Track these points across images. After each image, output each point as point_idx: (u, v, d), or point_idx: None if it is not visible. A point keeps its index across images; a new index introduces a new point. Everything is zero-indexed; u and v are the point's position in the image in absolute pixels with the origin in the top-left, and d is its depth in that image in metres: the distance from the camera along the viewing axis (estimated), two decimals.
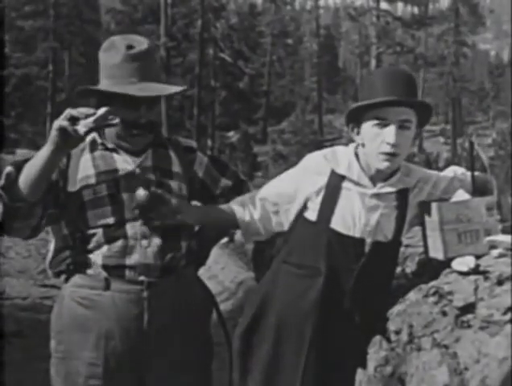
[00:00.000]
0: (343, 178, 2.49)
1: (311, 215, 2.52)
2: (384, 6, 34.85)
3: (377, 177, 2.48)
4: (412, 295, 2.37)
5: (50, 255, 2.62)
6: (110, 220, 2.50)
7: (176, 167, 2.66)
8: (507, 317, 1.99)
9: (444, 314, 2.18)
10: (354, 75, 58.89)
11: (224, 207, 2.68)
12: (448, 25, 41.93)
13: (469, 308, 2.11)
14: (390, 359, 2.30)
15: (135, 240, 2.51)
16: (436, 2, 43.25)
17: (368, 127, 2.43)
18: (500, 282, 2.12)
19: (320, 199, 2.50)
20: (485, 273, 2.19)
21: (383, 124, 2.39)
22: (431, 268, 2.48)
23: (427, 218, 2.44)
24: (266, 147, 32.27)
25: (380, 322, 2.43)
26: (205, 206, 2.79)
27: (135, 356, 2.52)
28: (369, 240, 2.46)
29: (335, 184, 2.49)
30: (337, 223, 2.47)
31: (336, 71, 55.64)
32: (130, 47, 2.52)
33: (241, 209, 2.65)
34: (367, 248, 2.46)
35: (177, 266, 2.57)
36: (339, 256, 2.47)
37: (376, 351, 2.35)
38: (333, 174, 2.50)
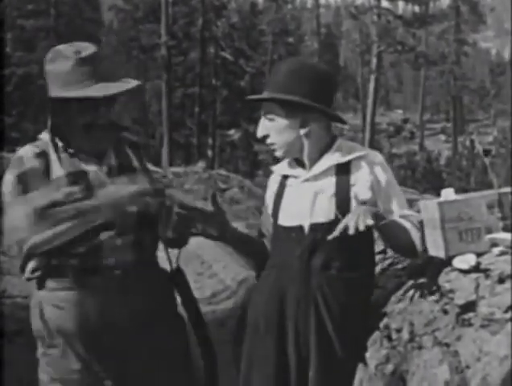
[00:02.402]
0: (287, 177, 2.66)
1: (271, 219, 2.68)
2: (385, 4, 34.82)
3: (313, 162, 2.59)
4: (413, 293, 2.36)
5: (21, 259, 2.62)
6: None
7: (135, 163, 2.73)
8: (508, 315, 1.99)
9: (445, 312, 2.18)
10: (355, 73, 58.91)
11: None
12: (448, 23, 41.89)
13: (470, 306, 2.11)
14: (391, 357, 2.30)
15: (109, 240, 2.53)
16: (437, 0, 43.17)
17: None
18: (501, 280, 2.12)
19: (272, 203, 2.67)
20: (486, 271, 2.19)
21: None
22: (431, 267, 2.48)
23: (426, 216, 2.44)
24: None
25: (354, 317, 2.46)
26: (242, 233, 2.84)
27: (119, 345, 2.55)
28: (306, 224, 2.51)
29: (281, 184, 2.67)
30: (283, 219, 2.60)
31: (337, 69, 55.51)
32: (77, 52, 2.57)
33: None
34: (306, 232, 2.51)
35: (149, 255, 2.64)
36: (287, 248, 2.54)
37: (377, 350, 2.35)
38: (281, 177, 2.69)
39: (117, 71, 2.83)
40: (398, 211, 2.53)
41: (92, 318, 2.53)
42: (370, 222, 2.25)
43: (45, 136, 2.66)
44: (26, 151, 2.58)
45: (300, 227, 2.52)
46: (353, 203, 2.50)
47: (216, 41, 36.13)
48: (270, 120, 2.56)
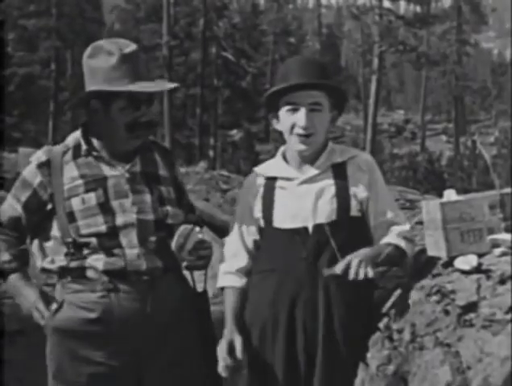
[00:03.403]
0: (275, 179, 2.62)
1: (261, 222, 2.63)
2: (387, 4, 34.79)
3: (305, 163, 2.58)
4: (414, 294, 2.36)
5: (40, 257, 2.64)
6: (102, 229, 2.51)
7: (162, 170, 2.69)
8: (509, 316, 1.99)
9: (447, 312, 2.18)
10: (356, 74, 58.85)
11: None
12: (450, 24, 41.84)
13: (472, 307, 2.11)
14: (392, 357, 2.30)
15: (132, 248, 2.52)
16: (439, 0, 43.20)
17: (283, 113, 2.56)
18: (502, 281, 2.12)
19: (260, 205, 2.62)
20: (487, 272, 2.19)
21: (294, 108, 2.52)
22: (432, 267, 2.47)
23: (428, 217, 2.44)
24: (269, 146, 32.25)
25: (354, 311, 2.46)
26: None
27: (137, 355, 2.53)
28: (310, 225, 2.51)
29: (269, 187, 2.62)
30: (279, 221, 2.56)
31: (339, 69, 55.50)
32: (121, 48, 2.54)
33: None
34: (311, 233, 2.51)
35: (172, 262, 2.58)
36: (288, 250, 2.52)
37: (378, 350, 2.35)
38: (266, 179, 2.64)
39: (152, 71, 2.86)
40: (388, 212, 2.57)
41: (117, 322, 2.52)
42: (370, 274, 2.29)
43: (70, 139, 2.65)
44: (30, 170, 2.60)
45: (305, 229, 2.51)
46: (353, 203, 2.52)
47: (217, 41, 36.14)
48: (316, 110, 2.52)
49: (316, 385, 2.43)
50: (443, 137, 52.64)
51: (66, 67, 33.57)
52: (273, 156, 2.74)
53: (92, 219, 2.51)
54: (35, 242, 2.66)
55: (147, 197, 2.59)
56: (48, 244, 2.60)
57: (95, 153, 2.59)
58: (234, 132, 37.26)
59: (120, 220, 2.53)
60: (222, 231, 2.97)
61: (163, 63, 31.41)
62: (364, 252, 2.38)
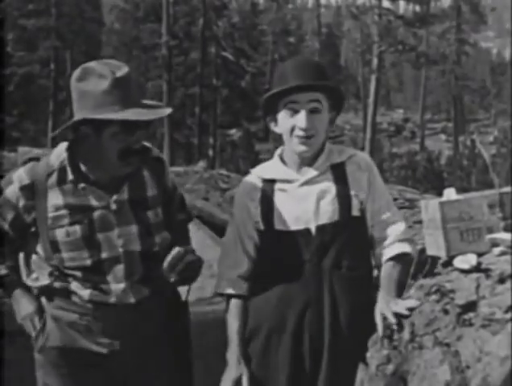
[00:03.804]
0: (273, 181, 2.59)
1: (261, 225, 2.59)
2: (386, 4, 34.77)
3: (304, 165, 2.56)
4: (414, 293, 2.36)
5: (24, 271, 2.60)
6: (88, 263, 2.47)
7: (150, 190, 2.60)
8: (509, 315, 1.99)
9: (446, 312, 2.18)
10: (356, 73, 58.88)
11: None
12: (449, 23, 41.88)
13: (471, 306, 2.10)
14: (391, 357, 2.30)
15: (117, 283, 2.49)
16: (438, 0, 43.20)
17: (282, 116, 2.54)
18: (502, 280, 2.12)
19: (259, 208, 2.58)
20: (486, 271, 2.19)
21: (294, 110, 2.49)
22: (431, 266, 2.47)
23: (427, 216, 2.44)
24: (268, 145, 32.23)
25: (360, 313, 2.45)
26: None
27: (121, 374, 2.54)
28: (312, 226, 2.50)
29: (267, 190, 2.59)
30: (280, 223, 2.53)
31: (338, 69, 55.52)
32: (113, 71, 2.39)
33: None
34: (314, 234, 2.50)
35: (157, 285, 2.55)
36: (291, 253, 2.51)
37: (378, 350, 2.35)
38: (264, 181, 2.61)
39: (143, 92, 2.74)
40: (385, 211, 2.57)
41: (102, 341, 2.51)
42: (414, 303, 2.30)
43: (54, 158, 2.51)
44: (13, 191, 2.48)
45: (307, 231, 2.50)
46: (355, 202, 2.52)
47: (217, 41, 36.13)
48: (316, 112, 2.51)
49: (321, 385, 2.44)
50: (443, 137, 52.67)
51: (65, 67, 33.54)
52: (272, 155, 2.72)
53: (76, 252, 2.45)
54: (21, 255, 2.61)
55: (134, 228, 2.51)
56: (34, 258, 2.54)
57: (81, 185, 2.47)
58: (233, 131, 37.24)
59: (105, 254, 2.47)
60: (222, 229, 2.96)
61: (162, 62, 31.43)
62: (386, 299, 2.40)
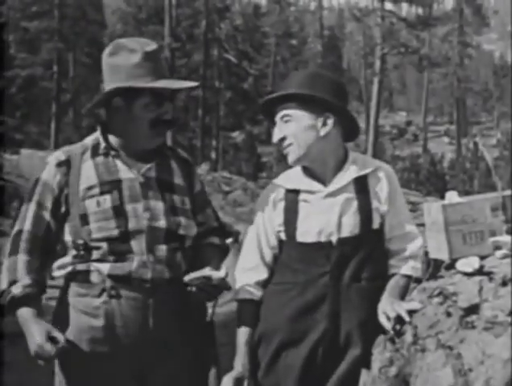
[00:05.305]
0: (297, 192, 2.56)
1: (283, 235, 2.58)
2: (389, 6, 34.79)
3: (326, 175, 2.54)
4: (416, 296, 2.36)
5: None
6: (114, 233, 2.48)
7: (177, 179, 2.65)
8: (511, 318, 1.99)
9: (449, 314, 2.18)
10: (358, 76, 58.85)
11: None
12: (452, 26, 41.92)
13: (474, 309, 2.10)
14: (394, 360, 2.30)
15: (141, 255, 2.48)
16: (441, 2, 43.30)
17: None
18: (504, 283, 2.12)
19: (282, 218, 2.57)
20: (489, 274, 2.19)
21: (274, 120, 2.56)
22: (434, 269, 2.47)
23: (430, 219, 2.44)
24: (270, 148, 32.22)
25: (369, 327, 2.43)
26: None
27: (139, 364, 2.50)
28: (334, 239, 2.49)
29: (291, 200, 2.57)
30: (303, 235, 2.52)
31: (341, 72, 55.52)
32: (143, 46, 2.56)
33: None
34: (335, 247, 2.49)
35: (180, 275, 2.54)
36: (312, 265, 2.49)
37: (380, 352, 2.35)
38: (287, 191, 2.58)
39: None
40: (406, 226, 2.56)
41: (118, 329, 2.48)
42: (416, 306, 2.31)
43: (89, 139, 2.63)
44: (48, 171, 2.54)
45: (329, 243, 2.49)
46: (375, 216, 2.52)
47: (219, 43, 36.18)
48: (287, 121, 2.51)
49: None
50: (445, 139, 52.68)
51: (68, 69, 33.58)
52: (275, 158, 2.72)
53: (104, 222, 2.47)
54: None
55: (160, 204, 2.55)
56: (58, 249, 2.56)
57: (113, 153, 2.57)
58: (236, 134, 37.26)
59: (132, 226, 2.49)
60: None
61: (164, 65, 31.45)
62: (388, 301, 2.41)
